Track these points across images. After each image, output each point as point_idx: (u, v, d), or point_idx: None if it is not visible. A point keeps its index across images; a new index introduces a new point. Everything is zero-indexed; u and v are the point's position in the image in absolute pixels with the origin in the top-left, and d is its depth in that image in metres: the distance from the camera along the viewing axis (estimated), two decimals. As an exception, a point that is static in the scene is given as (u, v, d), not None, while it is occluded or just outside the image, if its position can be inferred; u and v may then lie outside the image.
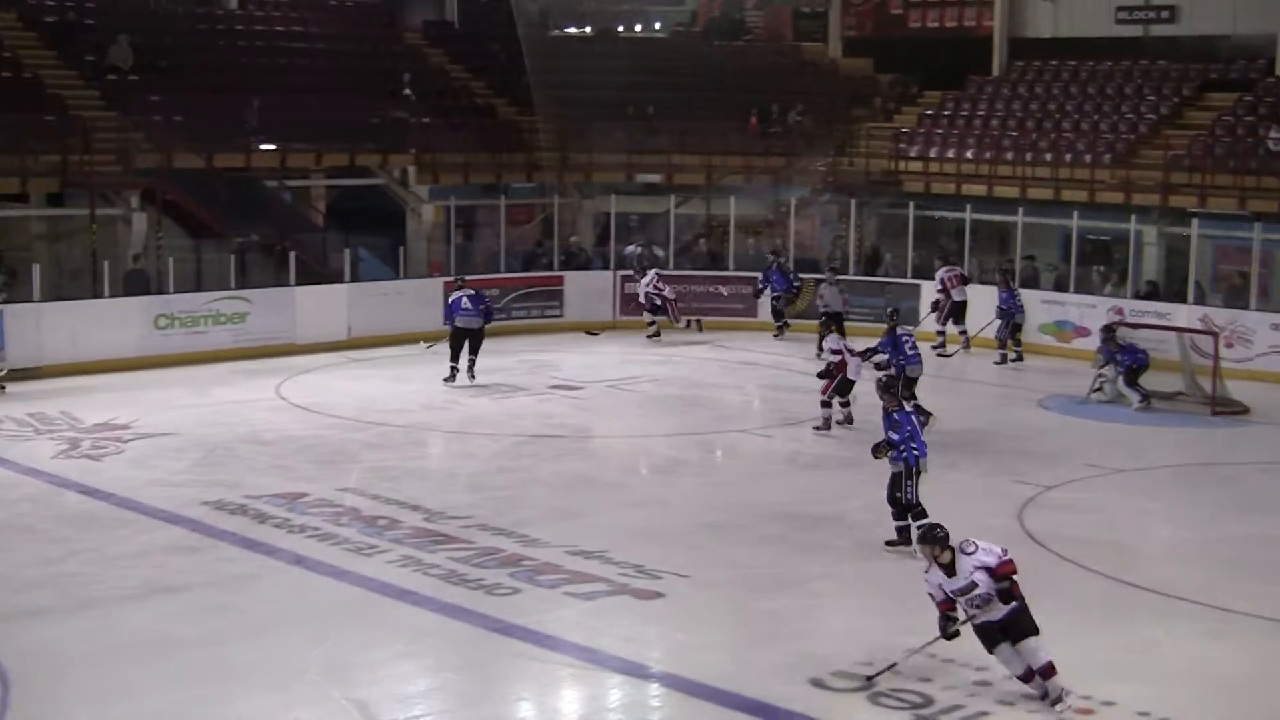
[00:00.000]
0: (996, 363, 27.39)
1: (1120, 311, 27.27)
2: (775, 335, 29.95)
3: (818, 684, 11.98)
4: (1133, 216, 29.29)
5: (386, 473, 18.86)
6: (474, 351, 24.63)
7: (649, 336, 29.57)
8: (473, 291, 25.20)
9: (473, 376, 24.56)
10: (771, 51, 41.09)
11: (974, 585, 11.89)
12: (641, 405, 23.63)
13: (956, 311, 28.61)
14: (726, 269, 32.54)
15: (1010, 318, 27.79)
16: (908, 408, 17.63)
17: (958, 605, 12.04)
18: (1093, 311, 27.64)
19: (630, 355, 27.95)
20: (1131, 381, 23.57)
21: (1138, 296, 28.63)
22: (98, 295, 25.88)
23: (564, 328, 30.98)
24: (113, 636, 12.86)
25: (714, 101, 36.47)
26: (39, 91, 28.68)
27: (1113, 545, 16.29)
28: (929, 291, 30.17)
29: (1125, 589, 14.76)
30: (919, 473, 16.07)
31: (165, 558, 15.23)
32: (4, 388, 23.26)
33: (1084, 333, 27.19)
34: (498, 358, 25.75)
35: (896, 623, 13.40)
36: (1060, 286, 29.73)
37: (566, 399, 24.15)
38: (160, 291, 26.68)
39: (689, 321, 30.51)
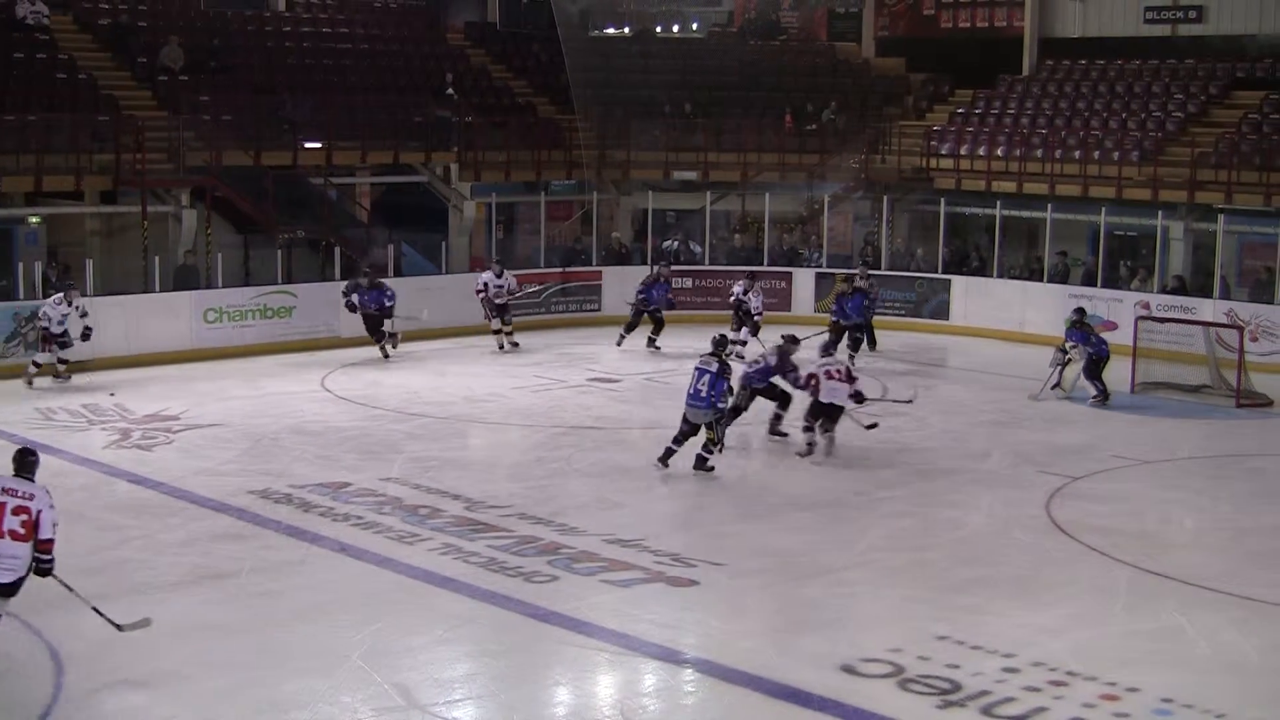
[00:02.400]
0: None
1: (1147, 306, 27.53)
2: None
3: (849, 670, 12.13)
4: (1160, 213, 29.55)
5: (428, 463, 19.06)
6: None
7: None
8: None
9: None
10: (806, 51, 41.15)
11: None
12: (678, 397, 23.76)
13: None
14: (761, 264, 32.81)
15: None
16: None
17: None
18: (1120, 306, 27.85)
19: (667, 348, 28.10)
20: (1094, 373, 23.59)
21: (1164, 291, 28.75)
22: (149, 290, 26.26)
23: (602, 321, 31.25)
24: (162, 621, 12.82)
25: (750, 100, 36.79)
26: (93, 92, 29.07)
27: (1139, 535, 16.44)
28: (963, 287, 30.47)
29: (1151, 578, 14.86)
30: None
31: (213, 545, 15.41)
32: (69, 376, 23.80)
33: (1112, 326, 27.38)
34: (538, 352, 26.03)
35: (926, 611, 13.67)
36: (1088, 281, 29.91)
37: (604, 391, 24.42)
38: (209, 286, 27.09)
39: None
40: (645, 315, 28.50)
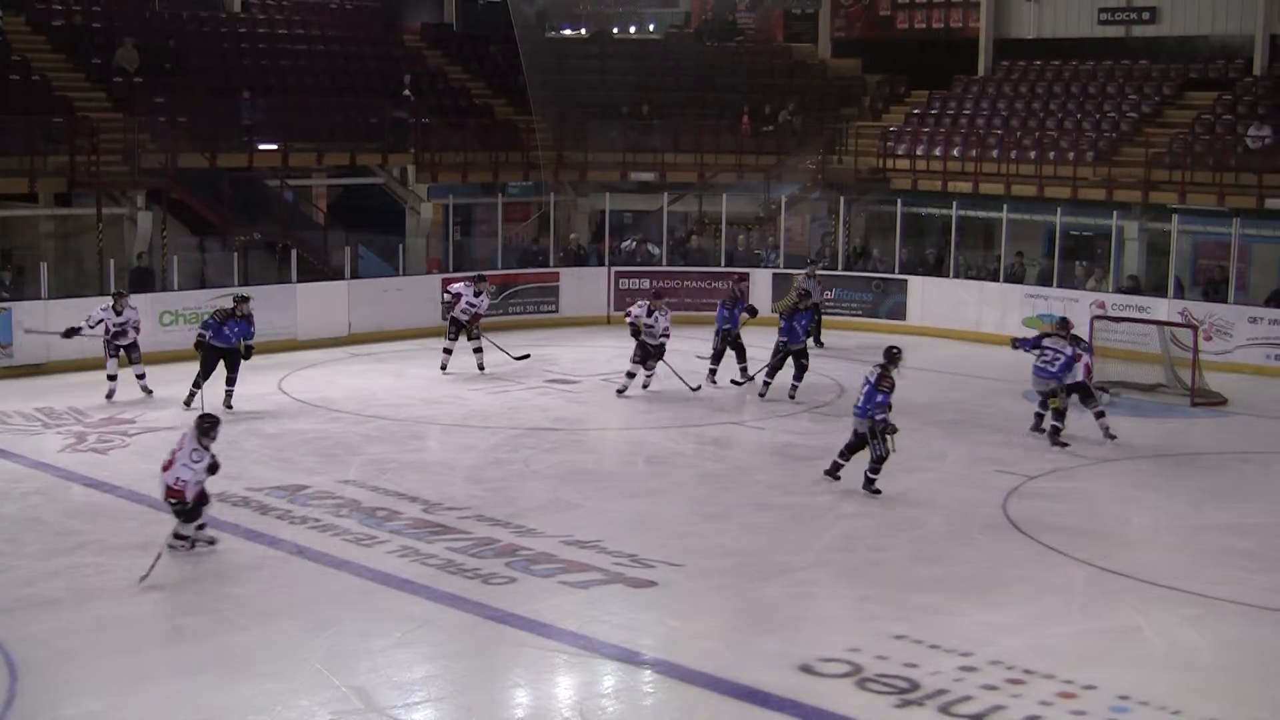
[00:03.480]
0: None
1: (1102, 305, 27.71)
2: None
3: (807, 670, 12.17)
4: (1115, 213, 29.76)
5: (386, 465, 19.05)
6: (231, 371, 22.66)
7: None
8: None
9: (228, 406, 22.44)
10: (763, 52, 41.30)
11: None
12: (635, 398, 23.85)
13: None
14: (718, 264, 32.91)
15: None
16: None
17: None
18: (1076, 305, 28.00)
19: (624, 350, 28.11)
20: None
21: (1120, 291, 28.98)
22: (104, 293, 26.01)
23: (560, 323, 31.30)
24: (119, 626, 12.95)
25: (707, 101, 36.93)
26: (47, 94, 28.97)
27: (1095, 534, 16.54)
28: (920, 287, 30.61)
29: (1107, 576, 14.97)
30: None
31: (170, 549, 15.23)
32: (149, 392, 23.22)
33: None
34: (496, 352, 25.99)
35: (883, 611, 13.73)
36: (1044, 281, 30.10)
37: (562, 393, 24.39)
38: (165, 289, 26.98)
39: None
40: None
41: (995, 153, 33.01)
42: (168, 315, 26.30)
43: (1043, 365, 21.05)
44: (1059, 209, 30.28)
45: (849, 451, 18.31)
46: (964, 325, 30.18)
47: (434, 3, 41.37)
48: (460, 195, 33.76)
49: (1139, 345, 25.05)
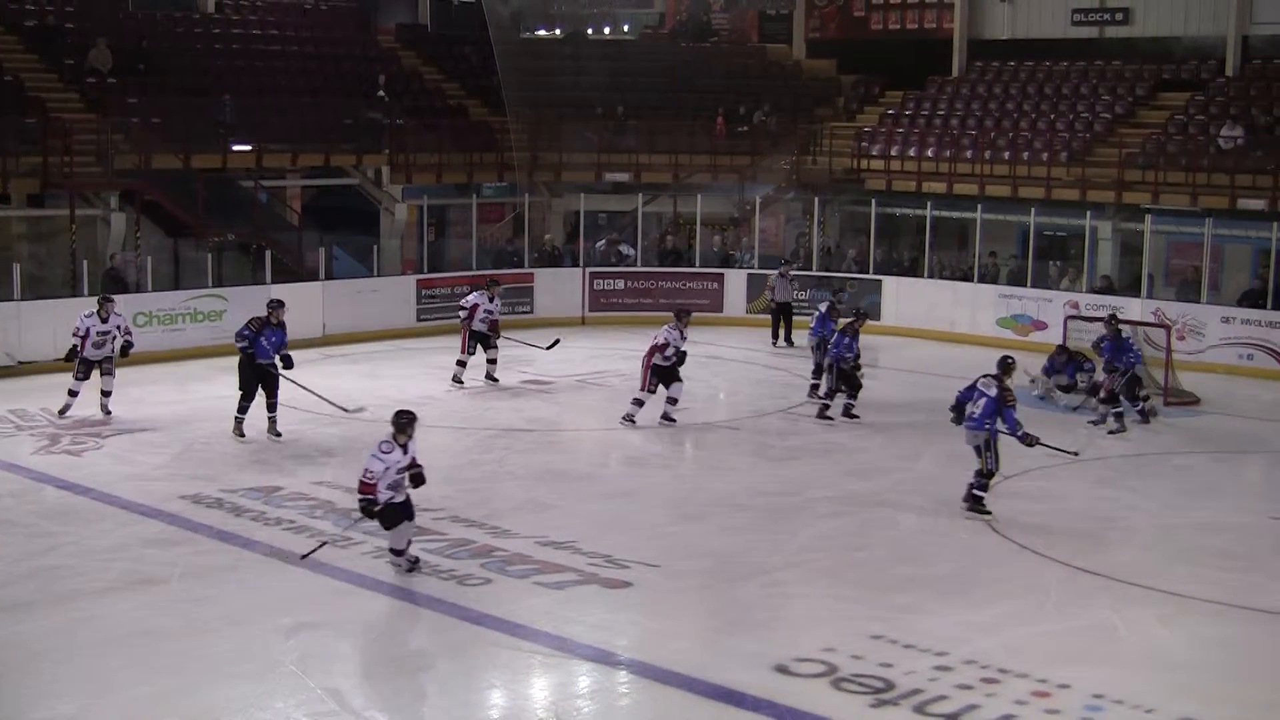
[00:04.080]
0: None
1: (1076, 305, 27.83)
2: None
3: (783, 670, 12.18)
4: (1088, 213, 29.92)
5: (360, 466, 19.04)
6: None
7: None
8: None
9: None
10: (737, 53, 41.40)
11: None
12: (610, 399, 23.79)
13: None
14: (693, 265, 32.94)
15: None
16: None
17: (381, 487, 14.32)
18: (1050, 305, 28.08)
19: (599, 350, 28.23)
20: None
21: (1093, 290, 29.10)
22: (77, 294, 25.99)
23: (535, 324, 31.25)
24: (92, 628, 12.91)
25: (681, 102, 36.96)
26: (20, 94, 28.85)
27: (1070, 533, 16.57)
28: (894, 287, 30.65)
29: (1082, 575, 15.01)
30: None
31: (144, 550, 15.29)
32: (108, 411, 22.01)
33: (1041, 326, 27.65)
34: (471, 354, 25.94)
35: (859, 610, 13.74)
36: (1018, 281, 30.20)
37: (537, 393, 24.41)
38: (139, 290, 26.91)
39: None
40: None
41: (969, 153, 33.12)
42: (141, 316, 26.18)
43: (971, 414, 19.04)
44: (1033, 209, 30.42)
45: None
46: (938, 325, 30.28)
47: (408, 3, 41.30)
48: (435, 196, 33.77)
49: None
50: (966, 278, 31.12)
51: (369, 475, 14.38)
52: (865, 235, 32.58)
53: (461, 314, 24.98)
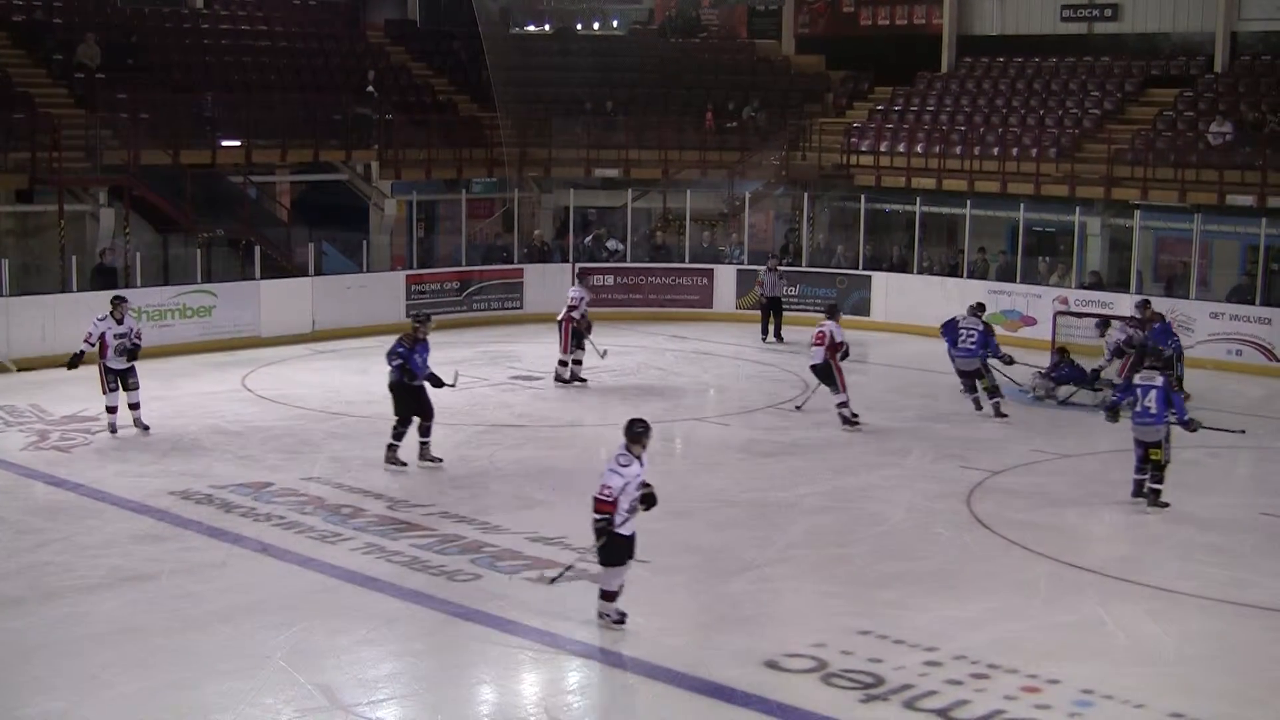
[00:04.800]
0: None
1: (1065, 301, 27.89)
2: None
3: (772, 666, 12.20)
4: (1077, 209, 29.99)
5: (350, 462, 19.05)
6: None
7: None
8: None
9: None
10: (727, 49, 41.43)
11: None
12: (600, 395, 23.83)
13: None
14: (683, 261, 32.95)
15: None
16: None
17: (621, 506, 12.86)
18: (1039, 301, 28.12)
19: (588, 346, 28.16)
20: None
21: (1082, 286, 29.16)
22: (66, 290, 26.00)
23: (524, 319, 31.31)
24: (82, 625, 12.91)
25: (670, 97, 37.04)
26: (8, 90, 28.83)
27: (1059, 528, 16.61)
28: (883, 283, 30.68)
29: (1070, 570, 15.06)
30: None
31: (133, 547, 15.30)
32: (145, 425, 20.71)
33: (1030, 321, 27.71)
34: (460, 349, 25.97)
35: (848, 606, 13.76)
36: (1007, 277, 30.25)
37: (527, 389, 24.42)
38: (128, 285, 26.82)
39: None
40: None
41: (958, 149, 33.16)
42: (131, 313, 26.08)
43: (964, 345, 22.35)
44: (1022, 205, 30.46)
45: (1141, 465, 17.82)
46: (927, 321, 30.11)
47: (398, -1, 41.39)
48: (424, 192, 33.77)
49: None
50: (955, 273, 31.16)
51: (607, 492, 12.92)
52: (854, 231, 32.58)
53: (574, 311, 24.79)
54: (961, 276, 30.75)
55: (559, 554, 15.09)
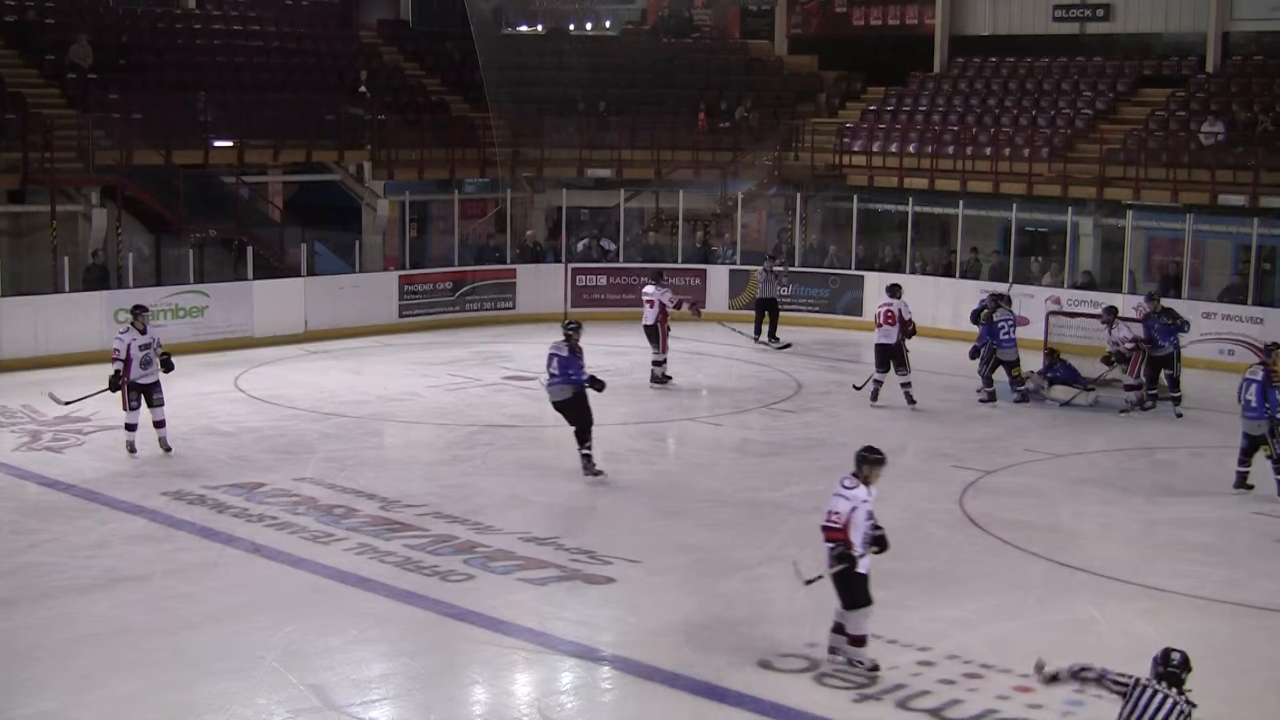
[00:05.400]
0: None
1: (1057, 300, 27.92)
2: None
3: (765, 665, 12.21)
4: (1070, 208, 29.99)
5: (343, 462, 19.00)
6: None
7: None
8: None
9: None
10: (719, 49, 41.47)
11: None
12: (593, 395, 23.86)
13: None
14: (675, 261, 32.96)
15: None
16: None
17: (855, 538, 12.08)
18: (1031, 301, 28.13)
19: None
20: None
21: (1074, 286, 29.18)
22: (59, 290, 25.99)
23: (516, 319, 31.33)
24: (75, 626, 12.89)
25: (663, 98, 37.02)
26: (0, 90, 28.76)
27: (1051, 528, 16.61)
28: (876, 283, 30.76)
29: (1063, 570, 15.05)
30: None
31: (126, 548, 15.29)
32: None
33: (1023, 321, 27.61)
34: (453, 350, 25.97)
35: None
36: (999, 276, 30.24)
37: (519, 389, 24.36)
38: (120, 286, 26.84)
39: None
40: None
41: (951, 149, 33.18)
42: (123, 313, 25.97)
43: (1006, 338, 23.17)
44: (1014, 205, 30.50)
45: (1247, 456, 18.11)
46: (920, 321, 30.14)
47: (390, -1, 41.38)
48: (416, 192, 33.80)
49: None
50: (948, 273, 31.16)
51: (834, 518, 12.17)
52: (847, 231, 32.59)
53: (668, 309, 25.18)
54: (954, 276, 30.73)
55: (552, 554, 15.11)
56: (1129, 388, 23.07)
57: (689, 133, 35.67)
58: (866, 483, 12.30)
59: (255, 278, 28.24)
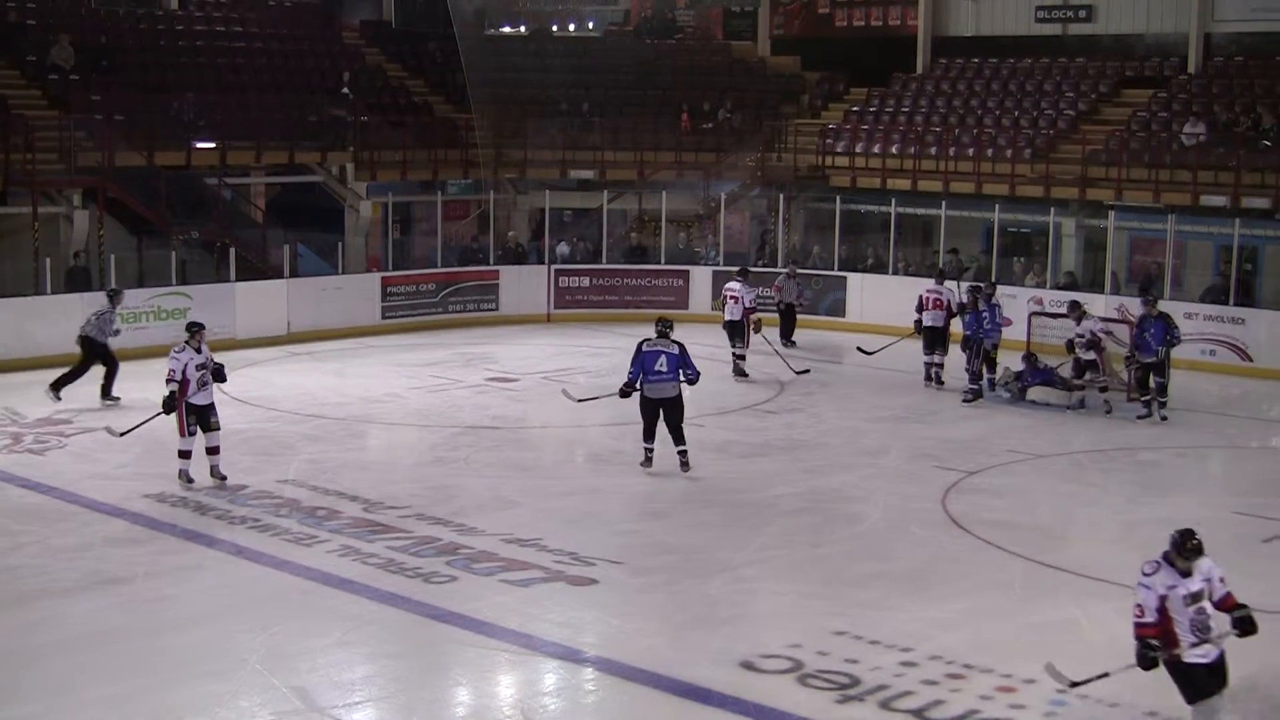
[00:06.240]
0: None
1: (1040, 301, 27.96)
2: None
3: (748, 667, 12.18)
4: (1052, 209, 30.08)
5: (325, 464, 18.99)
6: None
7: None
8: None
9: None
10: (702, 50, 41.44)
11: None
12: (577, 395, 23.88)
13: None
14: (658, 262, 32.96)
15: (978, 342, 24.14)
16: None
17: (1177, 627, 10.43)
18: (1014, 302, 28.18)
19: (565, 348, 28.23)
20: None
21: (1057, 287, 29.21)
22: (40, 292, 25.93)
23: (499, 320, 31.32)
24: (56, 628, 12.86)
25: (646, 99, 37.03)
26: (-20, 91, 28.63)
27: (1034, 528, 16.60)
28: (859, 284, 30.76)
29: (1045, 570, 15.07)
30: None
31: (108, 550, 15.24)
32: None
33: (1006, 322, 27.66)
34: (436, 351, 25.95)
35: (824, 607, 13.75)
36: (982, 278, 30.26)
37: (502, 391, 24.37)
38: (102, 288, 26.74)
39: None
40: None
41: (933, 150, 33.21)
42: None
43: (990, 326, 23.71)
44: (997, 206, 30.56)
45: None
46: (903, 322, 30.22)
47: (373, 0, 41.27)
48: (399, 193, 33.76)
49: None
50: (931, 274, 31.16)
51: (1138, 612, 10.55)
52: (830, 232, 32.61)
53: (748, 305, 26.02)
54: (937, 277, 30.72)
55: (535, 555, 15.09)
56: (1104, 389, 23.08)
57: (672, 134, 35.68)
58: (1178, 568, 10.56)
59: (237, 279, 28.19)
